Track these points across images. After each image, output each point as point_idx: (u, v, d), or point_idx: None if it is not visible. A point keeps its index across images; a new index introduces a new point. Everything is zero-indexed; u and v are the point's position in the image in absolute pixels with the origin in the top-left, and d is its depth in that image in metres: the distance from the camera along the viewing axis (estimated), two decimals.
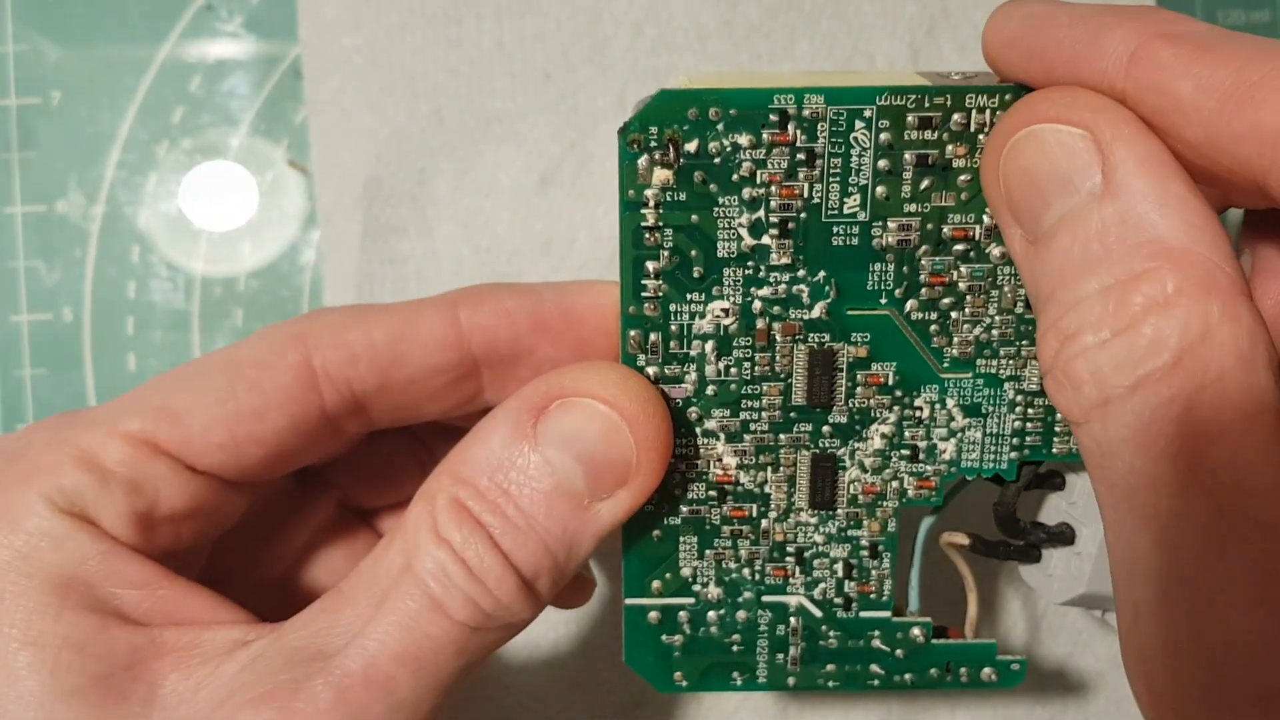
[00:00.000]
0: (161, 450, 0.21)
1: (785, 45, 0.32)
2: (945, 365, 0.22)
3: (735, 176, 0.20)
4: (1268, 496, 0.15)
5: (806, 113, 0.20)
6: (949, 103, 0.20)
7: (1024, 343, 0.21)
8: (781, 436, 0.22)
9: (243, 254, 0.32)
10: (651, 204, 0.20)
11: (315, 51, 0.31)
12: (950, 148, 0.20)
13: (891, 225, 0.21)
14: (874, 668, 0.24)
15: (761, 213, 0.21)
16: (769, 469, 0.22)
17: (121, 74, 0.32)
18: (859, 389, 0.22)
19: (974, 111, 0.20)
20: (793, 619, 0.23)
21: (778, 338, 0.21)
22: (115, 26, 0.32)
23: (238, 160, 0.32)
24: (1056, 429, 0.22)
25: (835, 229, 0.21)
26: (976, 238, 0.21)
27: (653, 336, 0.21)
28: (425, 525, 0.20)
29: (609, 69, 0.32)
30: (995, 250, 0.21)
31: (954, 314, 0.21)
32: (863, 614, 0.23)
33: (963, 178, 0.20)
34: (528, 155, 0.31)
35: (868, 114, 0.20)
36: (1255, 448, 0.15)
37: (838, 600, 0.23)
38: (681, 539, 0.23)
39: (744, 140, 0.20)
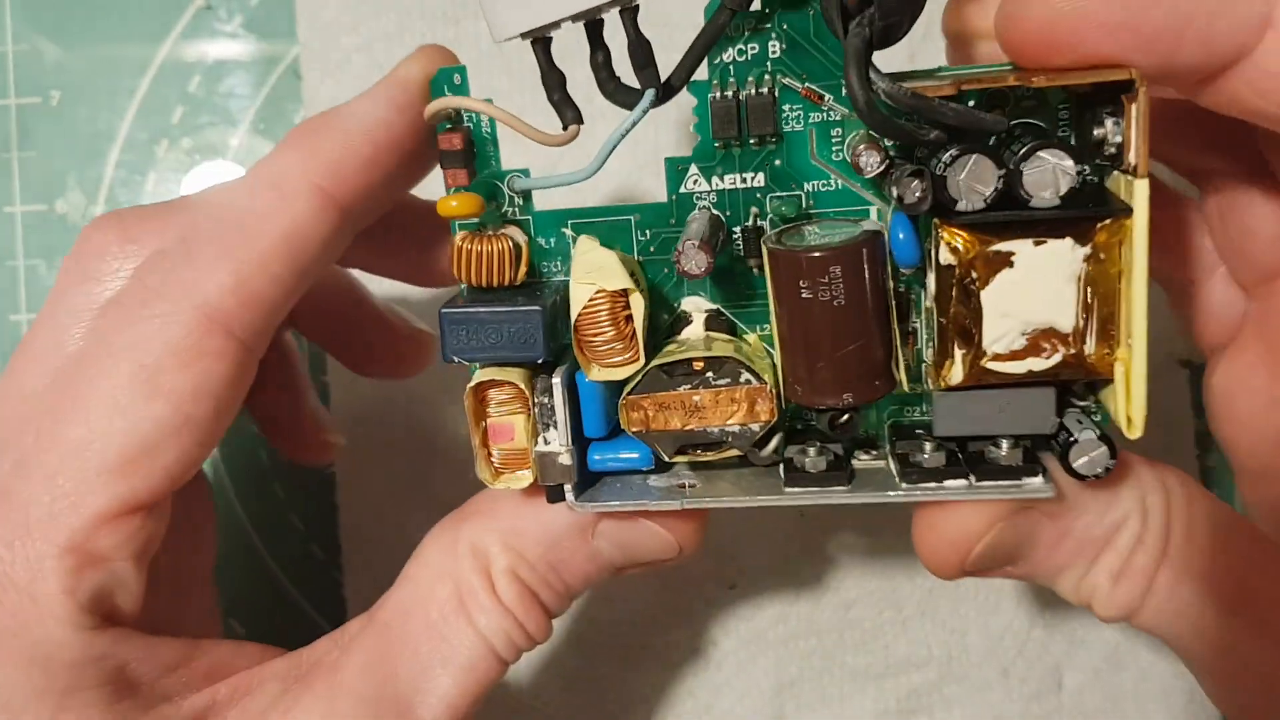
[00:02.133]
0: (144, 505, 0.20)
1: None
2: None
3: None
4: None
5: None
6: None
7: None
8: None
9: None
10: None
11: (314, 52, 0.31)
12: None
13: None
14: None
15: None
16: None
17: (121, 74, 0.32)
18: None
19: None
20: None
21: None
22: (115, 26, 0.32)
23: (237, 160, 0.32)
24: None
25: None
26: None
27: None
28: (484, 582, 0.21)
29: None
30: None
31: None
32: None
33: None
34: (525, 155, 0.31)
35: None
36: None
37: None
38: None
39: None
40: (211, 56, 0.32)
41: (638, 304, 0.20)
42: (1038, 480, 0.20)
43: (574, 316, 0.20)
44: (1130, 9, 0.17)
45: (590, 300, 0.20)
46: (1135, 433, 0.19)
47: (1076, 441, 0.20)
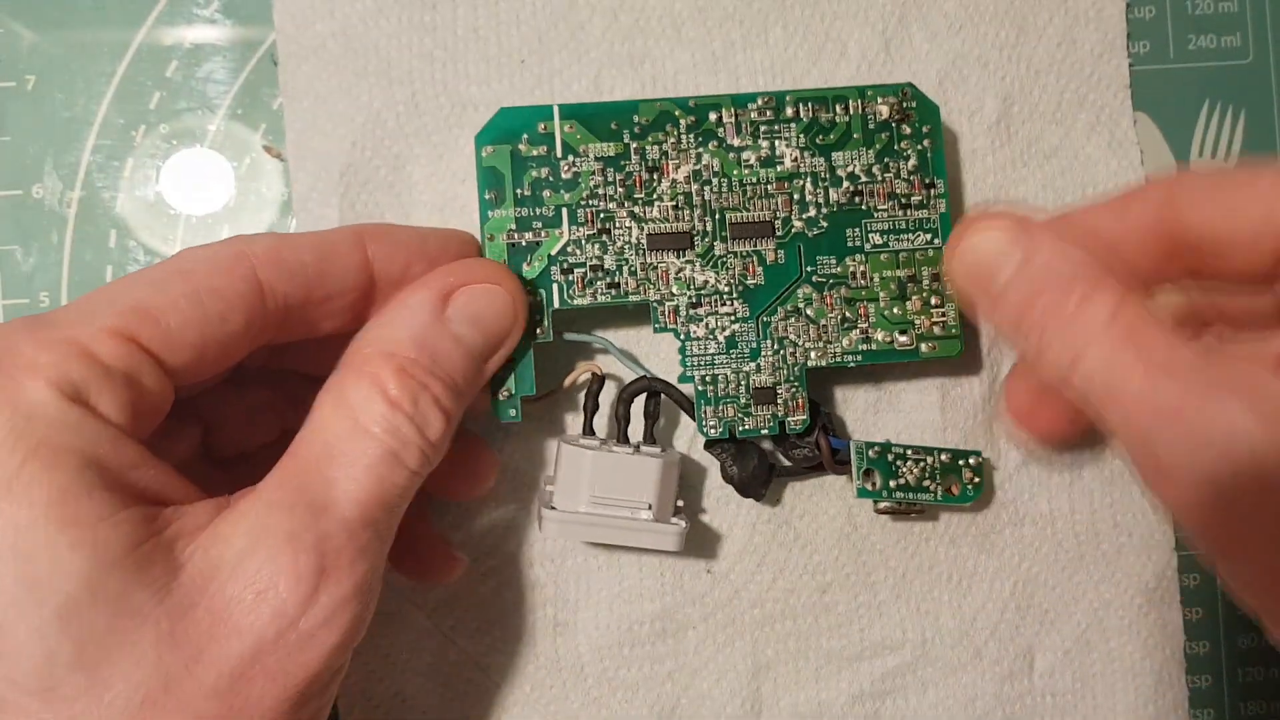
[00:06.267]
0: (143, 347, 0.23)
1: (758, 32, 0.32)
2: None
3: None
4: None
5: None
6: None
7: None
8: None
9: (220, 239, 0.32)
10: None
11: (290, 37, 0.31)
12: None
13: None
14: None
15: None
16: None
17: (97, 58, 0.32)
18: None
19: None
20: None
21: None
22: (90, 11, 0.32)
23: (215, 146, 0.32)
24: None
25: None
26: None
27: None
28: (375, 393, 0.23)
29: (584, 54, 0.32)
30: None
31: None
32: None
33: None
34: None
35: None
36: None
37: None
38: None
39: None
40: (188, 41, 0.32)
41: None
42: None
43: None
44: None
45: None
46: None
47: None
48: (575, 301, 0.29)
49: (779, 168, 0.30)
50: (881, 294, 0.30)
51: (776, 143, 0.30)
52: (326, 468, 0.23)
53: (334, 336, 0.26)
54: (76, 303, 0.23)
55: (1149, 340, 0.22)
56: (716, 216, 0.29)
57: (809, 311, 0.30)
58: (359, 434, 0.23)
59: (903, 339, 0.30)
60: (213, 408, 0.28)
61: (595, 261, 0.29)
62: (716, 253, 0.29)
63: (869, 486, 0.30)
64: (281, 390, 0.29)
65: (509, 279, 0.27)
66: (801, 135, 0.30)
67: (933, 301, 0.30)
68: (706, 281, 0.29)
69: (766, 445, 0.31)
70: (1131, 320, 0.23)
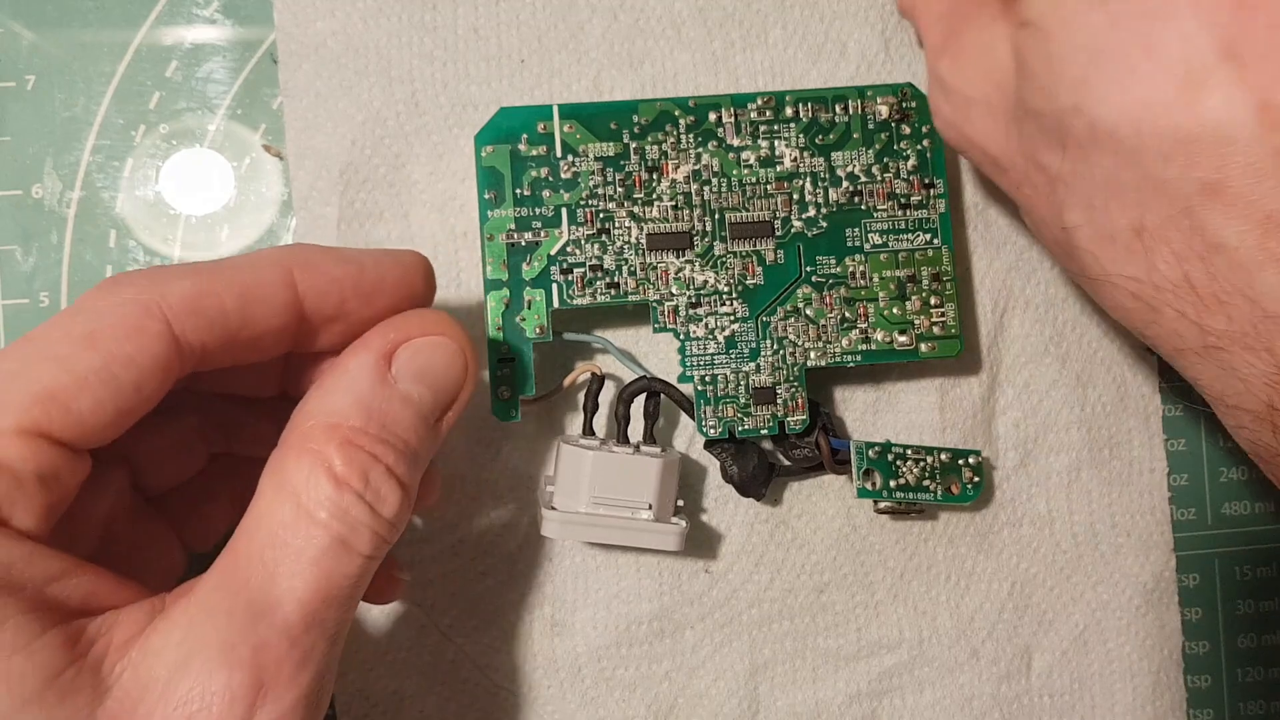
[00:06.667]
0: (55, 439, 0.21)
1: (758, 33, 0.32)
2: None
3: None
4: None
5: None
6: None
7: None
8: None
9: (220, 239, 0.32)
10: None
11: (290, 36, 0.31)
12: None
13: None
14: None
15: None
16: None
17: (97, 58, 0.32)
18: None
19: None
20: None
21: None
22: (90, 11, 0.32)
23: (215, 146, 0.32)
24: None
25: None
26: None
27: None
28: (318, 471, 0.21)
29: (584, 54, 0.32)
30: None
31: None
32: None
33: None
34: None
35: None
36: None
37: None
38: None
39: None
40: (188, 41, 0.32)
41: None
42: None
43: None
44: None
45: None
46: None
47: None
48: (575, 301, 0.29)
49: (778, 168, 0.30)
50: (881, 294, 0.30)
51: (776, 143, 0.30)
52: (268, 563, 0.21)
53: (262, 363, 0.24)
54: None
55: None
56: (716, 216, 0.29)
57: (808, 311, 0.30)
58: (302, 521, 0.21)
59: (902, 339, 0.30)
60: (136, 445, 0.25)
61: (595, 261, 0.29)
62: (716, 253, 0.29)
63: (869, 486, 0.30)
64: (209, 415, 0.27)
65: (453, 328, 0.24)
66: (801, 135, 0.30)
67: (932, 301, 0.30)
68: (706, 281, 0.29)
69: (766, 445, 0.31)
70: None
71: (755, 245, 0.29)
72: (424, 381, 0.23)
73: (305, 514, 0.21)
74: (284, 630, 0.20)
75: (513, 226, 0.29)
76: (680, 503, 0.30)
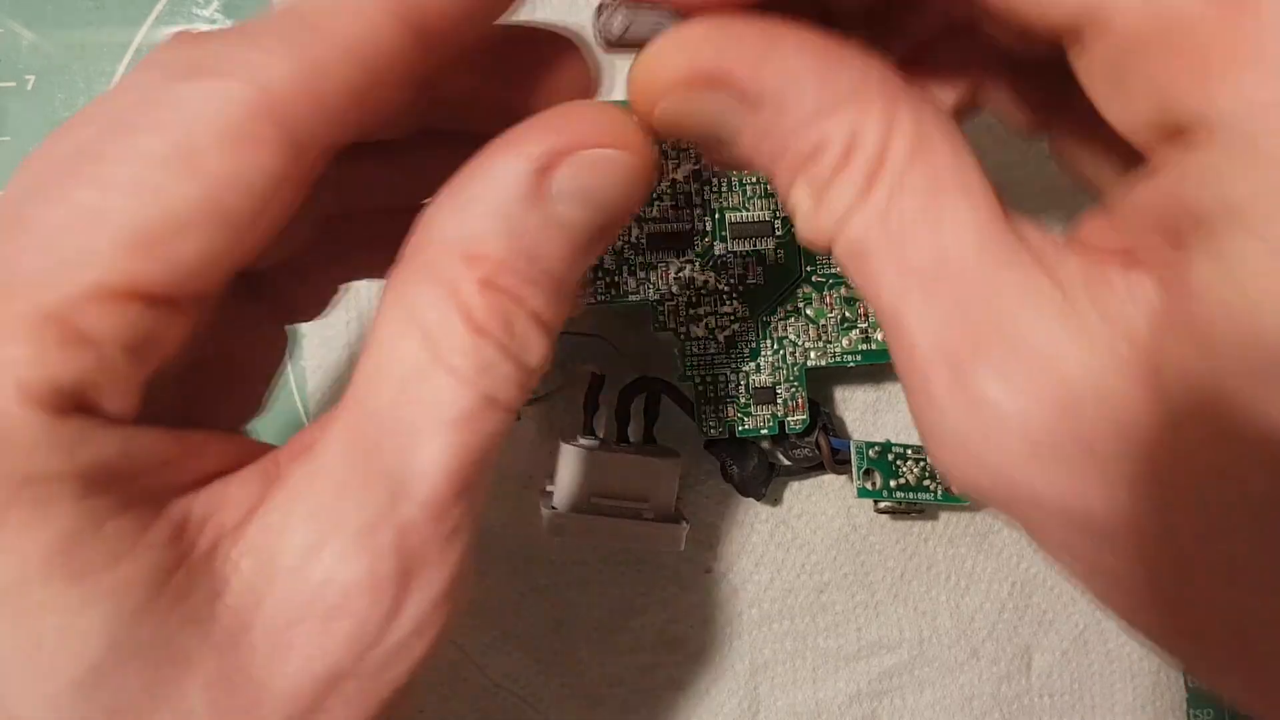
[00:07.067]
0: (154, 297, 0.16)
1: None
2: None
3: None
4: None
5: None
6: None
7: None
8: None
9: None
10: None
11: None
12: None
13: None
14: None
15: None
16: None
17: (97, 58, 0.32)
18: None
19: None
20: None
21: None
22: (90, 11, 0.32)
23: None
24: None
25: None
26: None
27: None
28: (453, 315, 0.17)
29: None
30: None
31: None
32: None
33: None
34: None
35: None
36: None
37: None
38: None
39: None
40: None
41: None
42: None
43: None
44: None
45: None
46: None
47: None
48: None
49: None
50: None
51: None
52: (402, 422, 0.17)
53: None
54: (30, 226, 0.16)
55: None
56: (716, 216, 0.29)
57: (808, 311, 0.30)
58: (438, 371, 0.17)
59: None
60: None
61: (594, 261, 0.29)
62: (716, 253, 0.29)
63: (869, 486, 0.30)
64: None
65: (635, 136, 0.18)
66: None
67: None
68: (706, 281, 0.29)
69: (766, 445, 0.31)
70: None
71: (755, 245, 0.30)
72: (588, 205, 0.18)
73: (441, 363, 0.17)
74: (429, 508, 0.17)
75: None
76: (680, 502, 0.30)
